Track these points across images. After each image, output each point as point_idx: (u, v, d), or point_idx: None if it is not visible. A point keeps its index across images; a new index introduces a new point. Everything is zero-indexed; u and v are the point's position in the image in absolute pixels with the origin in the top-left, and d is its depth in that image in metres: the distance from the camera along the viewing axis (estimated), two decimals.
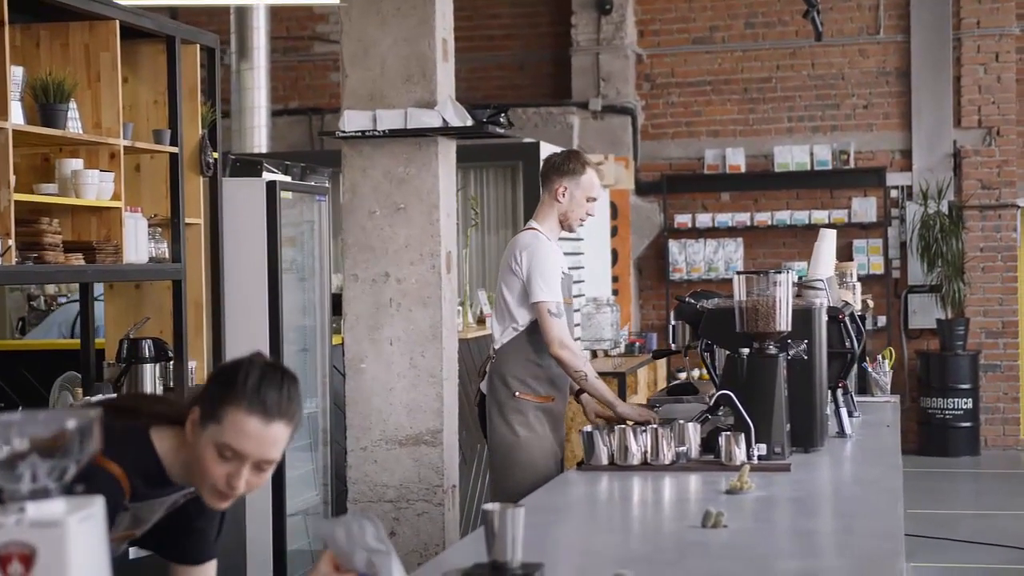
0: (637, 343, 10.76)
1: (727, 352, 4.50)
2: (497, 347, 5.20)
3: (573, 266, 9.98)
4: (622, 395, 8.89)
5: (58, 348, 6.47)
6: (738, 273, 4.42)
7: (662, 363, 10.97)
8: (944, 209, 12.15)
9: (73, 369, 5.69)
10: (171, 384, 5.50)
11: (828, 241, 5.45)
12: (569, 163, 5.21)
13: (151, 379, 5.33)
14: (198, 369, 5.75)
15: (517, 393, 5.11)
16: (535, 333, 5.11)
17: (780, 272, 4.37)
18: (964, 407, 12.02)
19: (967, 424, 12.06)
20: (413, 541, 5.60)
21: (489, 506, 2.73)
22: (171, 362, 5.48)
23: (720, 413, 4.42)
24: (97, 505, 1.78)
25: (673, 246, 12.73)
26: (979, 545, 8.47)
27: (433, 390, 5.75)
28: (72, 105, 4.86)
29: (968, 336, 12.16)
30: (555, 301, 5.01)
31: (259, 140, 10.48)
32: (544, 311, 5.01)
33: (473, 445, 7.37)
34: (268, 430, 2.52)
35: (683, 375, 12.28)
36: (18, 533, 1.70)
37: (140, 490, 2.60)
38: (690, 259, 12.74)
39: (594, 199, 5.24)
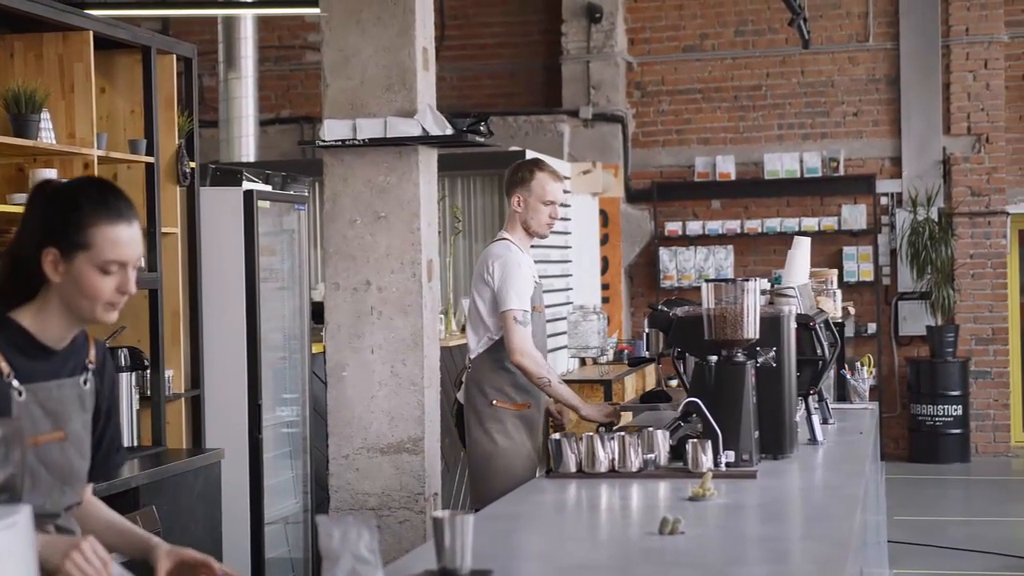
0: (626, 351, 10.77)
1: (696, 359, 4.52)
2: (472, 356, 5.29)
3: (561, 273, 10.04)
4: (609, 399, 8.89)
5: None
6: (707, 281, 4.43)
7: (651, 370, 10.98)
8: (934, 216, 12.16)
9: None
10: (148, 393, 5.52)
11: (802, 249, 5.47)
12: (518, 172, 5.35)
13: (127, 388, 5.34)
14: (175, 378, 5.76)
15: (494, 401, 5.20)
16: None
17: (748, 280, 4.39)
18: (954, 414, 12.03)
19: (957, 431, 12.06)
20: (395, 549, 5.60)
21: (438, 514, 2.75)
22: (147, 371, 5.49)
23: (691, 420, 4.43)
24: (23, 514, 1.80)
25: (664, 254, 12.75)
26: (967, 552, 8.48)
27: (414, 398, 5.76)
28: (45, 115, 4.88)
29: (958, 343, 12.17)
30: (522, 310, 5.10)
31: (247, 149, 10.51)
32: (510, 319, 5.10)
33: (455, 453, 7.38)
34: (133, 231, 2.68)
35: (674, 383, 12.29)
36: None
37: (23, 366, 2.63)
38: (681, 267, 12.75)
39: (551, 202, 5.32)
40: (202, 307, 5.97)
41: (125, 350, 5.38)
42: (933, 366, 12.08)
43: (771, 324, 4.50)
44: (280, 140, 12.93)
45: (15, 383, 2.61)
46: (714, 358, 4.36)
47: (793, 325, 4.65)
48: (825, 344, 4.98)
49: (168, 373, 5.65)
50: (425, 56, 5.94)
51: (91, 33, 5.13)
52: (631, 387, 9.85)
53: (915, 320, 12.37)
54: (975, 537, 8.94)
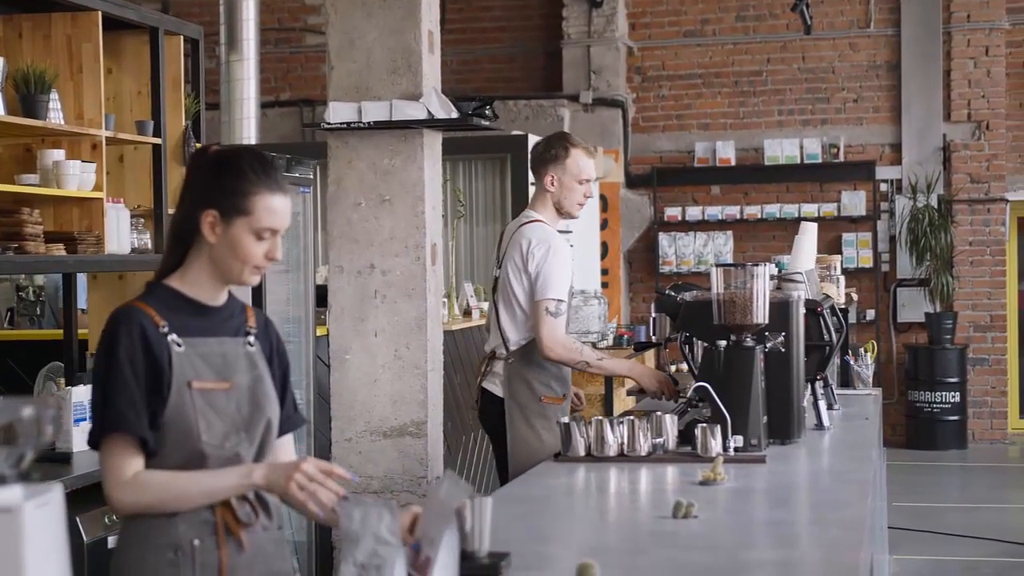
0: (626, 336, 10.78)
1: (705, 344, 4.52)
2: (512, 347, 5.05)
3: None
4: (609, 387, 8.89)
5: (44, 338, 6.48)
6: (716, 265, 4.43)
7: (651, 355, 10.99)
8: (933, 203, 12.17)
9: (58, 359, 5.70)
10: None
11: (809, 234, 5.47)
12: (551, 149, 5.10)
13: None
14: None
15: (543, 398, 5.00)
16: None
17: (758, 265, 4.39)
18: (952, 401, 12.06)
19: (955, 418, 12.09)
20: None
21: None
22: None
23: (699, 405, 4.44)
24: (54, 493, 1.80)
25: (663, 239, 12.76)
26: (965, 538, 8.50)
27: (418, 382, 5.77)
28: (54, 96, 4.86)
29: (956, 330, 12.19)
30: (556, 300, 4.88)
31: (248, 132, 10.41)
32: (542, 309, 4.87)
33: (458, 437, 7.39)
34: (287, 202, 2.83)
35: (673, 368, 12.30)
36: None
37: (177, 320, 2.78)
38: (680, 252, 12.76)
39: (586, 180, 5.10)
40: None
41: None
42: (931, 353, 12.10)
43: (780, 309, 4.50)
44: (279, 123, 12.91)
45: (173, 336, 2.75)
46: (723, 343, 4.36)
47: (802, 310, 4.65)
48: (832, 329, 4.99)
49: None
50: (431, 39, 5.94)
51: (100, 13, 5.11)
52: None
53: (914, 307, 12.39)
54: (973, 523, 8.97)
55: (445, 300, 8.03)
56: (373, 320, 5.68)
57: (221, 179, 2.79)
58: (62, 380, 5.39)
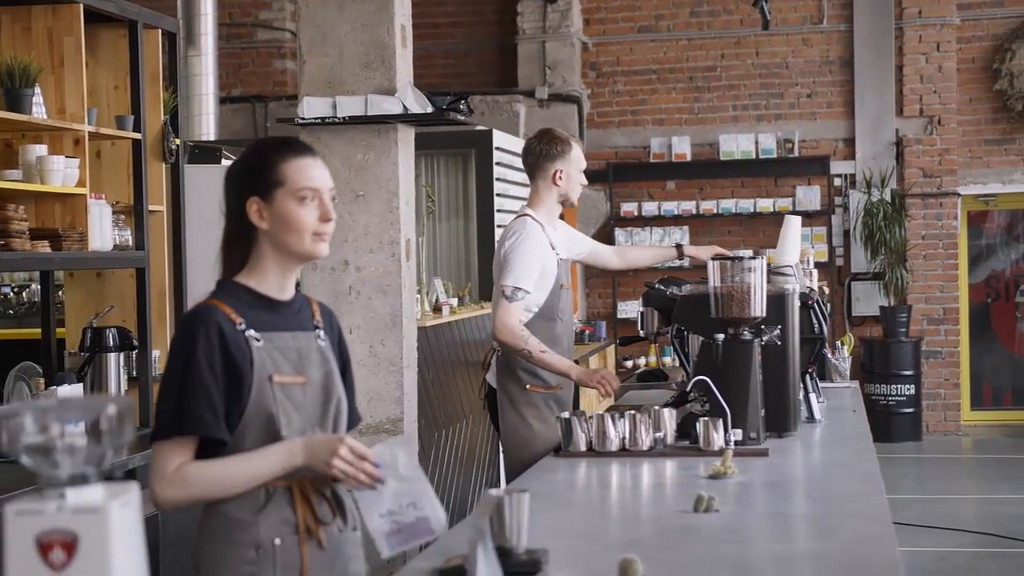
0: (587, 331, 10.80)
1: (701, 338, 4.51)
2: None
3: None
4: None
5: (16, 338, 6.37)
6: (713, 259, 4.42)
7: (611, 351, 11.01)
8: (887, 197, 12.27)
9: (32, 359, 5.60)
10: (135, 374, 5.43)
11: (794, 227, 5.48)
12: (556, 146, 5.20)
13: (115, 368, 5.26)
14: (162, 358, 5.67)
15: (528, 386, 5.07)
16: (540, 322, 5.04)
17: (755, 258, 4.39)
18: (907, 393, 12.17)
19: (909, 410, 12.20)
20: None
21: (495, 491, 2.73)
22: (135, 351, 5.41)
23: (692, 399, 4.43)
24: (134, 491, 1.76)
25: (620, 234, 12.77)
26: (923, 528, 8.58)
27: (393, 378, 5.75)
28: (37, 90, 4.77)
29: (910, 323, 12.30)
30: (513, 287, 4.96)
31: (207, 127, 10.35)
32: (498, 293, 5.00)
33: (431, 434, 7.35)
34: (318, 164, 2.84)
35: (629, 363, 12.33)
36: (59, 520, 1.68)
37: (251, 316, 2.77)
38: None
39: (584, 168, 5.30)
40: (187, 286, 5.89)
41: (113, 330, 5.29)
42: (886, 346, 12.21)
43: (776, 302, 4.51)
44: (232, 119, 12.77)
45: (251, 331, 2.75)
46: (721, 336, 4.36)
47: (797, 303, 4.66)
48: (823, 322, 5.01)
49: (155, 353, 5.57)
50: (403, 33, 5.91)
51: (81, 6, 5.02)
52: (596, 366, 9.86)
53: (868, 300, 12.49)
54: (930, 514, 9.05)
55: (417, 296, 7.98)
56: (348, 317, 5.65)
57: (250, 169, 2.83)
58: (41, 380, 5.29)
